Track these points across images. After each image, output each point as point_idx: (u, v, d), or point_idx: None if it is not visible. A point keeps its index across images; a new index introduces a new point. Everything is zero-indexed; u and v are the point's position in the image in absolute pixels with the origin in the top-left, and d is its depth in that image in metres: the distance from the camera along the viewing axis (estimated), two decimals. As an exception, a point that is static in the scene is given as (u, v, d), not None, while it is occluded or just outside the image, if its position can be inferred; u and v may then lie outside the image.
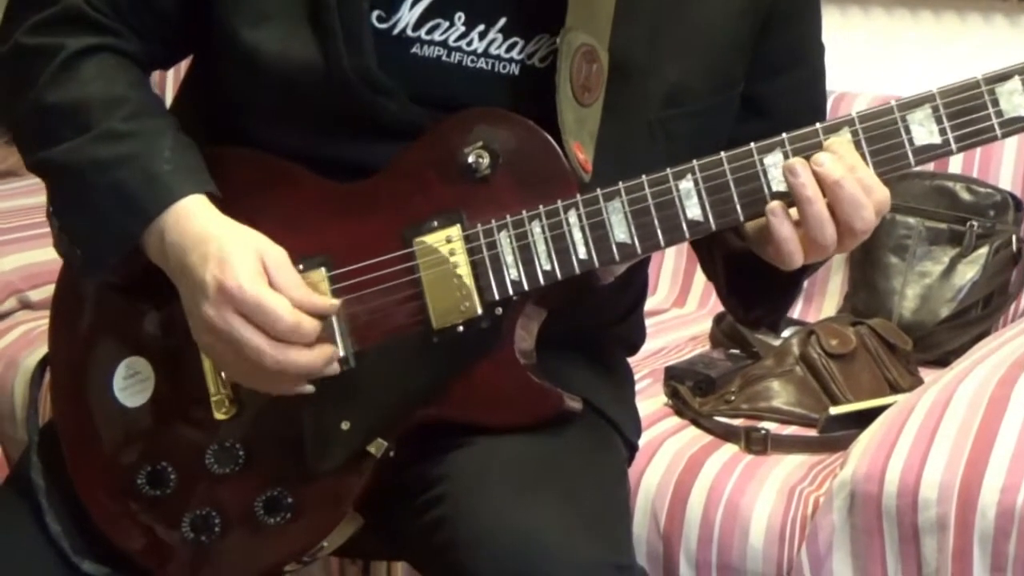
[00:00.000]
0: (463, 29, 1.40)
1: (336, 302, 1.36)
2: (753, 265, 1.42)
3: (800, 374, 2.14)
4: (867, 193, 1.30)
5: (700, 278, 2.62)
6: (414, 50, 1.40)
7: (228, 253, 1.31)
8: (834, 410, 2.06)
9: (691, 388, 2.14)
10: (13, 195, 2.69)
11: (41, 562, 1.42)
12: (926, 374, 2.22)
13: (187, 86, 1.54)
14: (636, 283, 1.60)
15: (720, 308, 2.47)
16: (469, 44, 1.40)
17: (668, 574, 1.90)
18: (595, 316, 1.53)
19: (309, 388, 1.35)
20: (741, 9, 1.45)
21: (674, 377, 2.16)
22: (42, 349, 2.30)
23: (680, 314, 2.57)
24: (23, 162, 1.45)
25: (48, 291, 2.43)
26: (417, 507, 1.35)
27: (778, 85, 1.50)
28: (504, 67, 1.41)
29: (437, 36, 1.40)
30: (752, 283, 1.48)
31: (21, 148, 1.45)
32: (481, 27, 1.40)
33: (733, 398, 2.13)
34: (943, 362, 2.27)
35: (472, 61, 1.40)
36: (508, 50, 1.41)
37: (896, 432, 1.80)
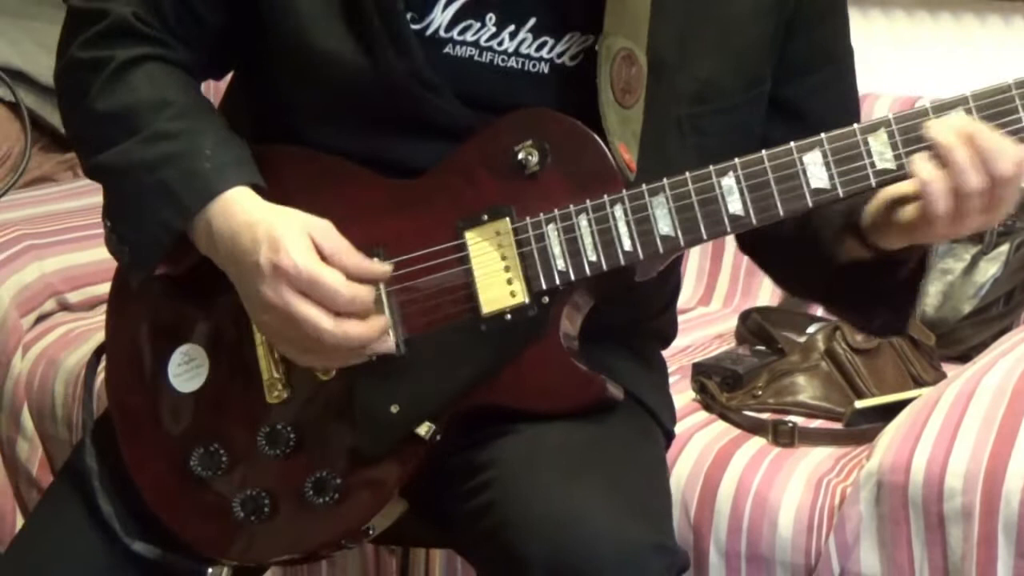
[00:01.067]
0: (494, 29, 1.44)
1: (388, 267, 1.40)
2: (869, 273, 1.46)
3: (826, 369, 2.17)
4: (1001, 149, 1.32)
5: (725, 277, 2.65)
6: (447, 50, 1.44)
7: (279, 235, 1.35)
8: (860, 404, 2.09)
9: (719, 383, 2.17)
10: (51, 200, 2.73)
11: (93, 542, 1.47)
12: (949, 369, 2.24)
13: (233, 88, 1.59)
14: (672, 279, 1.65)
15: (745, 305, 2.51)
16: (500, 44, 1.45)
17: (698, 564, 1.93)
18: (636, 311, 1.58)
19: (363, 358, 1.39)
20: (767, 8, 1.49)
21: (702, 373, 2.20)
22: (82, 349, 2.37)
23: (706, 312, 2.61)
24: (82, 170, 1.50)
25: (87, 293, 2.51)
26: (464, 492, 1.38)
27: (806, 86, 1.54)
28: (534, 66, 1.45)
29: (469, 36, 1.44)
30: (870, 291, 1.50)
31: (80, 156, 1.51)
32: (512, 27, 1.44)
33: (760, 393, 2.16)
34: (965, 357, 2.29)
35: (503, 60, 1.45)
36: (538, 49, 1.45)
37: (921, 423, 1.83)
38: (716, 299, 2.66)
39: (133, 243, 1.43)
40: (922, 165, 1.32)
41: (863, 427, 2.03)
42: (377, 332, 1.38)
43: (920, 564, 1.79)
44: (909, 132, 1.35)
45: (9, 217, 2.55)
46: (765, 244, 1.60)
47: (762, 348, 2.31)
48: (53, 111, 2.95)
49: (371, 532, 1.46)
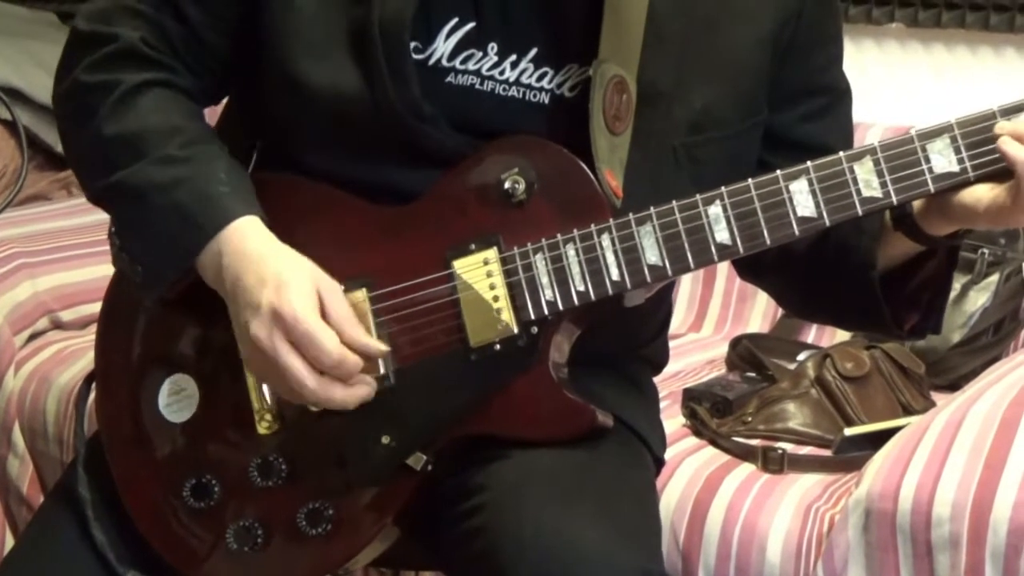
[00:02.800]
0: (496, 59, 1.45)
1: (385, 348, 1.40)
2: (902, 270, 1.47)
3: (815, 396, 2.18)
4: None
5: (716, 303, 2.66)
6: (448, 79, 1.45)
7: (286, 280, 1.35)
8: (849, 431, 2.10)
9: (709, 409, 2.18)
10: (45, 218, 2.74)
11: (86, 571, 1.46)
12: (938, 398, 2.25)
13: (228, 112, 1.59)
14: (664, 306, 1.66)
15: (736, 332, 2.52)
16: (501, 73, 1.45)
17: (687, 589, 1.94)
18: (627, 338, 1.58)
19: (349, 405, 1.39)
20: (765, 38, 1.50)
21: (692, 399, 2.21)
22: (74, 367, 2.37)
23: (697, 338, 2.62)
24: (84, 196, 1.51)
25: (80, 311, 2.52)
26: (456, 516, 1.39)
27: (800, 114, 1.55)
28: (535, 96, 1.46)
29: (471, 66, 1.45)
30: (901, 290, 1.51)
31: (82, 179, 1.50)
32: (513, 57, 1.45)
33: (750, 419, 2.17)
34: (955, 386, 2.30)
35: (504, 89, 1.46)
36: (539, 79, 1.46)
37: (910, 451, 1.84)
38: (707, 325, 2.67)
39: (146, 264, 1.43)
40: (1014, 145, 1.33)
41: (852, 455, 2.04)
42: (356, 401, 1.38)
43: (908, 592, 1.79)
44: (893, 160, 1.36)
45: (3, 235, 2.57)
46: (771, 266, 1.60)
47: (752, 375, 2.32)
48: (49, 130, 2.96)
49: (358, 559, 1.46)
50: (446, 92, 1.45)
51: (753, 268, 1.64)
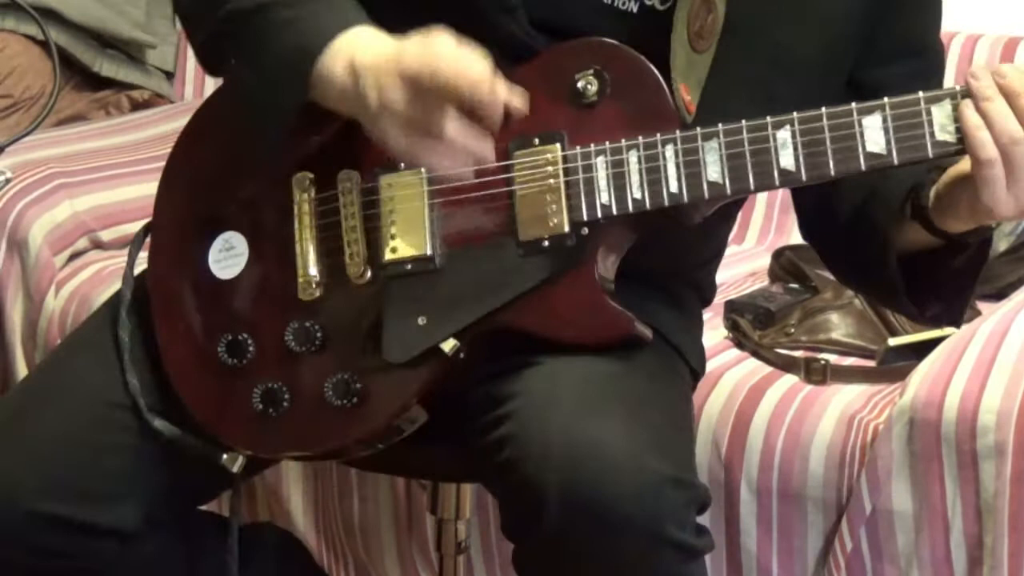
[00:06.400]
0: None
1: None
2: (929, 260, 1.46)
3: (859, 307, 2.17)
4: None
5: (758, 215, 2.64)
6: None
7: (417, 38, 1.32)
8: (893, 341, 2.08)
9: (751, 321, 2.17)
10: (83, 138, 2.74)
11: (118, 411, 1.48)
12: (983, 307, 2.23)
13: None
14: (717, 237, 1.65)
15: (778, 243, 2.50)
16: None
17: (729, 500, 1.94)
18: (675, 259, 1.57)
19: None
20: None
21: (734, 310, 2.19)
22: (114, 287, 2.35)
23: (739, 250, 2.60)
24: (198, 43, 1.49)
25: (119, 231, 2.52)
26: (485, 424, 1.38)
27: (891, 74, 1.52)
28: (624, 3, 1.46)
29: None
30: (926, 280, 1.50)
31: (196, 23, 1.48)
32: None
33: (793, 330, 2.15)
34: (1001, 295, 2.28)
35: None
36: None
37: (955, 361, 1.83)
38: (750, 237, 2.65)
39: (266, 83, 1.40)
40: (968, 113, 1.32)
41: (896, 365, 2.03)
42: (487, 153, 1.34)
43: (952, 501, 1.78)
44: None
45: (41, 155, 2.56)
46: (824, 231, 1.60)
47: (795, 286, 2.31)
48: (85, 49, 2.95)
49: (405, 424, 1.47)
50: None
51: (806, 228, 1.66)
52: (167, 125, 2.85)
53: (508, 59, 1.40)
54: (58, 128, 2.81)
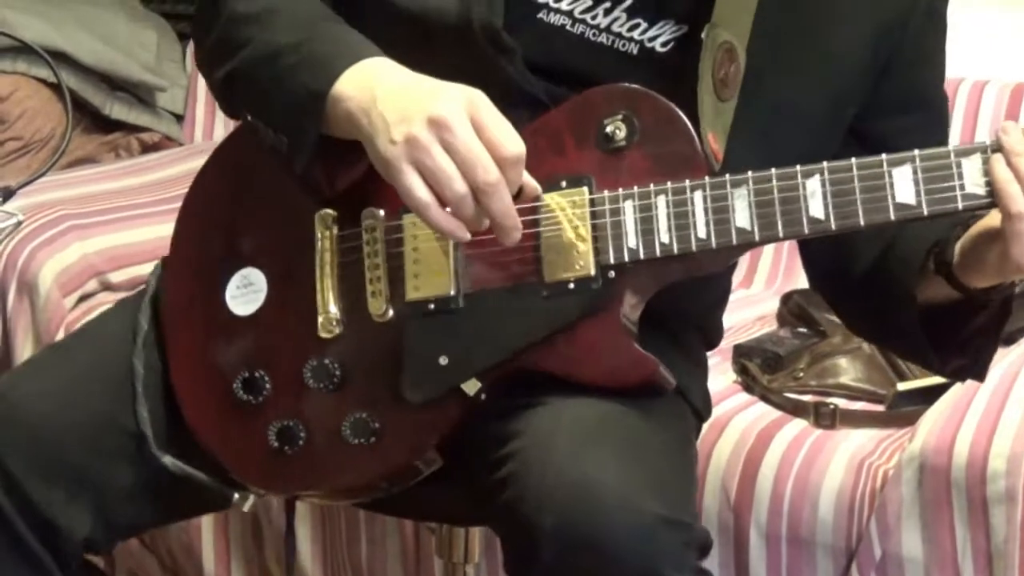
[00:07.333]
0: (590, 3, 1.46)
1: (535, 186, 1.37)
2: (952, 315, 1.46)
3: (867, 351, 2.16)
4: None
5: (766, 259, 2.64)
6: (541, 15, 1.46)
7: (440, 86, 1.33)
8: (902, 386, 2.08)
9: (760, 365, 2.17)
10: (93, 180, 2.75)
11: (126, 444, 1.47)
12: (993, 352, 2.23)
13: None
14: (721, 281, 1.66)
15: (787, 287, 2.50)
16: (594, 18, 1.46)
17: (738, 546, 1.93)
18: (677, 303, 1.56)
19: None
20: (867, 41, 1.50)
21: (743, 354, 2.19)
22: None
23: (747, 294, 2.60)
24: (212, 84, 1.50)
25: (129, 273, 2.52)
26: (490, 464, 1.38)
27: (896, 126, 1.53)
28: (624, 45, 1.47)
29: (564, 5, 1.46)
30: (947, 335, 1.50)
31: (214, 64, 1.49)
32: (607, 3, 1.46)
33: (802, 375, 2.15)
34: (1010, 340, 2.27)
35: (594, 35, 1.47)
36: (630, 30, 1.46)
37: (964, 406, 1.82)
38: (758, 281, 2.65)
39: (287, 121, 1.41)
40: (999, 167, 1.31)
41: (905, 409, 2.02)
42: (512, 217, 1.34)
43: (963, 547, 1.78)
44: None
45: (51, 197, 2.57)
46: (837, 281, 1.60)
47: (804, 330, 2.31)
48: (95, 92, 2.97)
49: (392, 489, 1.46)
50: (537, 28, 1.46)
51: (817, 275, 1.65)
52: (177, 167, 2.86)
53: (504, 101, 1.40)
54: (68, 170, 2.83)
